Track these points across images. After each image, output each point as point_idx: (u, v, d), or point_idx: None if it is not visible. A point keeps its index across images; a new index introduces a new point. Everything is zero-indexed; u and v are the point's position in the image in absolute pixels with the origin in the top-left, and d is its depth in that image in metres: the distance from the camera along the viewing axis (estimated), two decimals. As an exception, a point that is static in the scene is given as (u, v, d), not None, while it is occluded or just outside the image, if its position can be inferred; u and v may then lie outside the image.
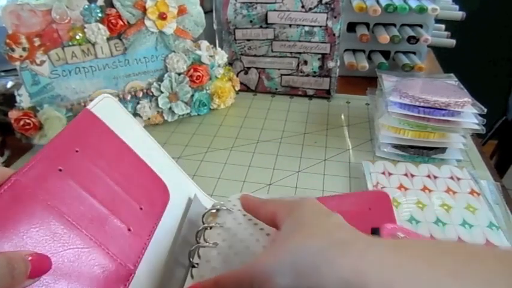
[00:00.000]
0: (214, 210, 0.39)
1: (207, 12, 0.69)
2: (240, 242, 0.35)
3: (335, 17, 0.69)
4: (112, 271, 0.30)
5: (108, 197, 0.32)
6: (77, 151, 0.32)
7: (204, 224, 0.38)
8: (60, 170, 0.30)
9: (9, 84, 0.65)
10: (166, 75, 0.65)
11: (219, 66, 0.69)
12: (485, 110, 0.53)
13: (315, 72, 0.74)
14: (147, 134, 0.40)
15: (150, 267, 0.33)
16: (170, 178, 0.40)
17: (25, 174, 0.28)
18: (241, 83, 0.77)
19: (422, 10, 0.72)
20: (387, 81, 0.61)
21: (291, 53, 0.73)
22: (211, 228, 0.37)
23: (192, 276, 0.35)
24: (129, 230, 0.32)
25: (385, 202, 0.40)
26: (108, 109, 0.37)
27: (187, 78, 0.66)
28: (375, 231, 0.37)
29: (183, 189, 0.42)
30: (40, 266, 0.24)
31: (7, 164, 0.58)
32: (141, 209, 0.35)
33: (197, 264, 0.35)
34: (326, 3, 0.68)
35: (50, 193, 0.29)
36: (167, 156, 0.42)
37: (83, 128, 0.34)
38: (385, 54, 0.83)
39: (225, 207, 0.39)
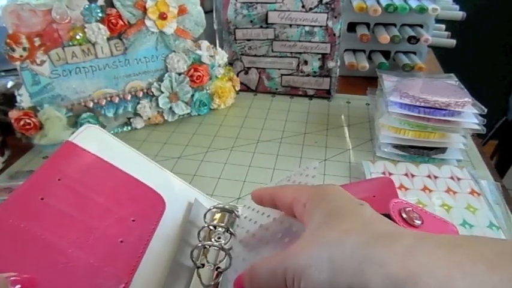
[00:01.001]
0: (214, 209, 0.39)
1: (208, 12, 0.68)
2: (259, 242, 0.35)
3: (335, 17, 0.69)
4: (105, 282, 0.31)
5: (94, 215, 0.34)
6: (59, 179, 0.34)
7: (206, 223, 0.38)
8: (42, 199, 0.32)
9: (10, 84, 0.65)
10: (166, 75, 0.65)
11: (219, 66, 0.69)
12: (486, 110, 0.53)
13: (315, 72, 0.74)
14: (138, 153, 0.42)
15: (149, 273, 0.34)
16: (166, 188, 0.41)
17: (6, 206, 0.31)
18: (241, 83, 0.77)
19: (422, 10, 0.72)
20: (387, 81, 0.61)
21: (291, 53, 0.73)
22: (215, 228, 0.37)
23: (199, 276, 0.35)
24: (121, 241, 0.33)
25: (389, 188, 0.40)
26: (92, 137, 0.39)
27: (188, 78, 0.66)
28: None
29: (182, 196, 0.42)
30: (22, 286, 0.26)
31: (7, 163, 0.58)
32: (133, 221, 0.36)
33: (202, 265, 0.36)
34: (326, 3, 0.68)
35: (32, 220, 0.31)
36: (161, 169, 0.43)
37: (65, 158, 0.36)
38: (386, 54, 0.83)
39: (233, 211, 0.39)
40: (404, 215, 0.31)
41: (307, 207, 0.27)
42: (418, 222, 0.30)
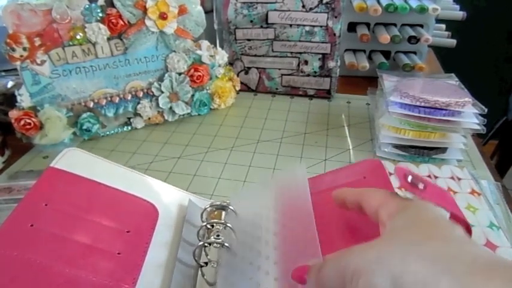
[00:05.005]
0: (210, 208, 0.40)
1: (208, 12, 0.69)
2: (251, 238, 0.36)
3: (335, 17, 0.69)
4: None
5: (87, 233, 0.34)
6: (46, 205, 0.35)
7: (203, 222, 0.39)
8: (31, 225, 0.33)
9: (10, 84, 0.65)
10: (166, 75, 0.65)
11: (219, 66, 0.69)
12: (486, 110, 0.53)
13: (315, 72, 0.74)
14: (122, 167, 0.43)
15: (152, 279, 0.34)
16: (157, 195, 0.42)
17: None
18: (241, 83, 0.77)
19: (423, 10, 0.72)
20: (388, 81, 0.61)
21: (291, 52, 0.73)
22: (212, 226, 0.38)
23: (203, 275, 0.35)
24: (118, 254, 0.34)
25: (378, 169, 0.40)
26: (73, 159, 0.40)
27: (188, 78, 0.66)
28: None
29: (174, 201, 0.43)
30: None
31: (7, 163, 0.58)
32: (128, 232, 0.36)
33: (205, 263, 0.36)
34: (327, 3, 0.68)
35: (24, 248, 0.31)
36: (148, 178, 0.44)
37: (49, 183, 0.37)
38: (386, 54, 0.82)
39: (228, 207, 0.39)
40: (410, 179, 0.32)
41: (392, 215, 0.26)
42: (421, 186, 0.31)
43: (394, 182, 0.50)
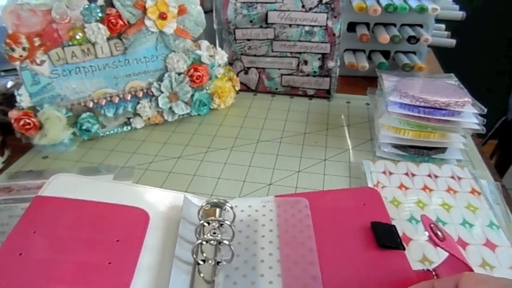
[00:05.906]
0: (206, 205, 0.40)
1: (207, 12, 0.68)
2: (253, 243, 0.37)
3: (335, 17, 0.69)
4: None
5: (78, 251, 0.35)
6: (34, 232, 0.36)
7: (200, 219, 0.39)
8: (20, 254, 0.34)
9: (9, 84, 0.65)
10: (166, 75, 0.65)
11: (219, 66, 0.69)
12: (485, 110, 0.53)
13: (315, 72, 0.74)
14: (112, 181, 0.45)
15: (146, 281, 0.35)
16: (147, 201, 0.43)
17: None
18: (241, 83, 0.77)
19: (422, 10, 0.72)
20: (387, 81, 0.61)
21: (291, 52, 0.73)
22: (208, 224, 0.38)
23: (200, 273, 0.36)
24: (109, 263, 0.35)
25: (376, 198, 0.43)
26: (60, 185, 0.41)
27: (188, 78, 0.66)
28: (376, 226, 0.38)
29: (166, 203, 0.44)
30: None
31: (7, 163, 0.58)
32: (117, 241, 0.37)
33: (203, 261, 0.36)
34: (326, 3, 0.68)
35: (12, 277, 0.32)
36: (139, 186, 0.45)
37: (36, 211, 0.38)
38: (385, 54, 0.83)
39: (225, 205, 0.39)
40: (433, 228, 0.34)
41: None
42: (440, 235, 0.34)
43: (396, 181, 0.50)
